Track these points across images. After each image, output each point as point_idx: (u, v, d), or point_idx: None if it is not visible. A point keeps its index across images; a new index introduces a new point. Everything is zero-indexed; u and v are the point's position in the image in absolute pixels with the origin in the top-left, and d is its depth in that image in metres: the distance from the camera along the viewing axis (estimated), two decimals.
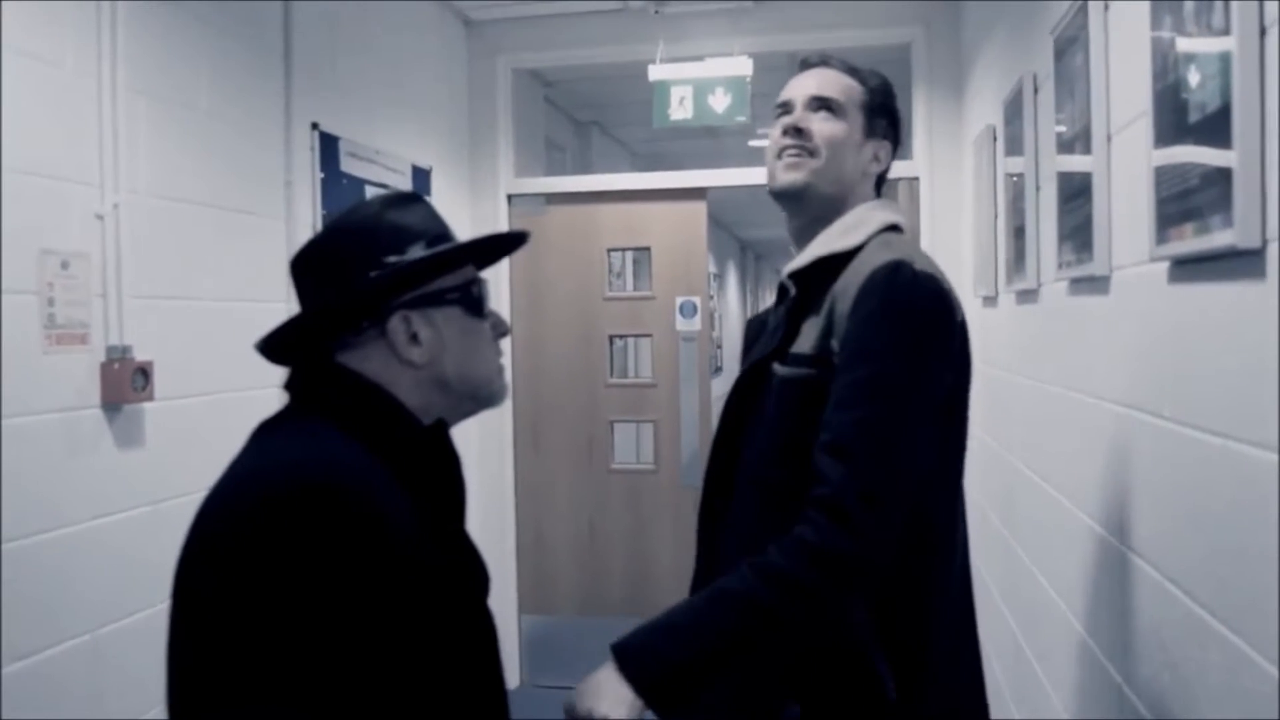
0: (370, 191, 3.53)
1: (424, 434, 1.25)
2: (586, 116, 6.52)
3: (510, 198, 4.59)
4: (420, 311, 1.23)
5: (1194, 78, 1.37)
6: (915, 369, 1.42)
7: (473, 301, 1.28)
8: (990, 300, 3.31)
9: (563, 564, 4.68)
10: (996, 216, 3.18)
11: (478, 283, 1.30)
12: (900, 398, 1.40)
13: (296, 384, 1.26)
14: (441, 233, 1.29)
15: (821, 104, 1.62)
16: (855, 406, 1.39)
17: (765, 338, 1.63)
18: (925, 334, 1.44)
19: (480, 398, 1.29)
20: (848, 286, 1.47)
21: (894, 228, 1.61)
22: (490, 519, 4.59)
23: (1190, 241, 1.38)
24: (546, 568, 4.68)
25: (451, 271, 1.27)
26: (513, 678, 4.61)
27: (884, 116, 1.68)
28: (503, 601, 4.61)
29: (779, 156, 1.63)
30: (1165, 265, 1.53)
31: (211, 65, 2.77)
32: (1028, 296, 2.60)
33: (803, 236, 1.65)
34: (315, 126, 3.24)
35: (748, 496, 1.58)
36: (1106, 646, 1.88)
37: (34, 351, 2.12)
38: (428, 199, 1.32)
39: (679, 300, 4.51)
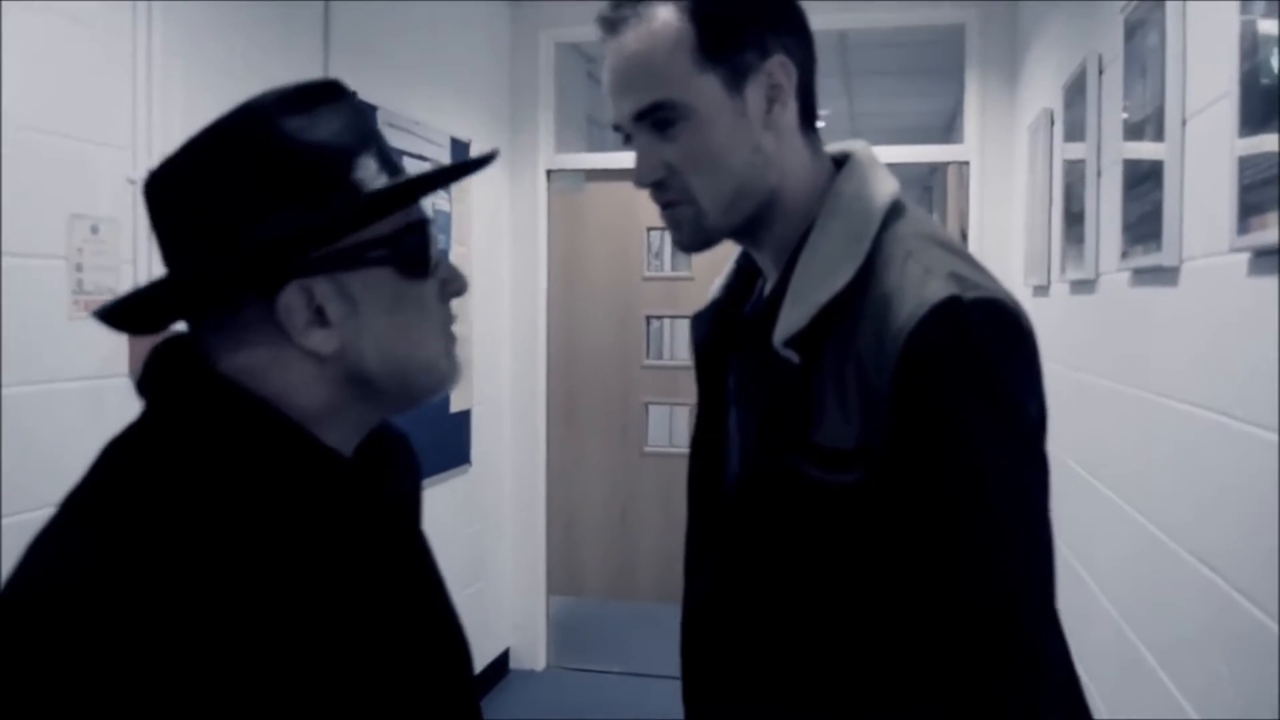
0: (411, 166, 3.47)
1: (339, 468, 0.86)
2: None
3: (550, 173, 4.52)
4: (330, 277, 0.83)
5: None
6: (1019, 465, 0.98)
7: (409, 257, 0.86)
8: (1041, 290, 3.20)
9: (593, 545, 4.62)
10: (1051, 204, 3.07)
11: (417, 227, 0.87)
12: (1013, 524, 0.97)
13: (149, 385, 0.86)
14: (365, 146, 0.86)
15: (649, 117, 1.07)
16: (960, 570, 0.95)
17: (762, 409, 1.08)
18: (1014, 400, 0.98)
19: (416, 390, 0.89)
20: (879, 338, 0.98)
21: (895, 206, 1.08)
22: (521, 498, 4.55)
23: (1274, 231, 1.28)
24: (576, 549, 4.63)
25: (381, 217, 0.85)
26: (539, 659, 4.57)
27: (743, 27, 1.07)
28: (531, 581, 4.57)
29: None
30: (1246, 256, 1.43)
31: (249, 30, 2.71)
32: (1084, 287, 2.50)
33: (765, 254, 1.15)
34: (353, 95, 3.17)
35: (757, 632, 1.08)
36: (1162, 656, 1.79)
37: (60, 318, 2.08)
38: (350, 93, 0.90)
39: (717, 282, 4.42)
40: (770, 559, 1.05)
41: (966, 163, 4.16)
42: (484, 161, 0.93)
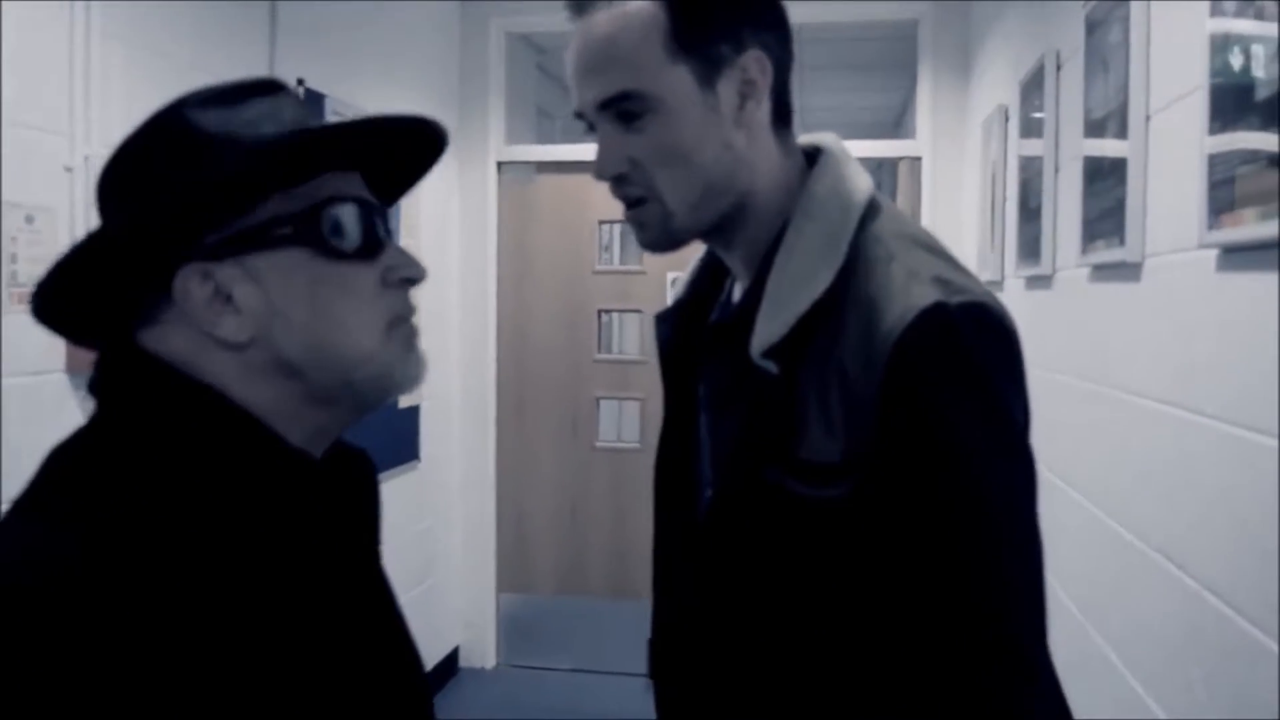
0: None
1: (303, 466, 0.81)
2: None
3: (500, 165, 4.46)
4: (236, 261, 0.78)
5: (1259, 53, 1.26)
6: (1010, 473, 0.95)
7: (323, 235, 0.79)
8: (995, 285, 3.21)
9: (543, 542, 4.57)
10: (1005, 200, 3.08)
11: (338, 204, 0.81)
12: (1006, 533, 0.93)
13: (101, 384, 0.81)
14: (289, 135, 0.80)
15: (615, 107, 1.01)
16: (956, 579, 0.91)
17: (739, 422, 1.02)
18: (1004, 406, 0.94)
19: (360, 385, 0.81)
20: (864, 346, 0.94)
21: (871, 204, 1.04)
22: (471, 494, 4.48)
23: (1251, 228, 1.28)
24: (526, 545, 4.58)
25: (288, 188, 0.79)
26: (488, 657, 4.51)
27: (719, 18, 1.01)
28: (481, 579, 4.51)
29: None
30: (1214, 252, 1.43)
31: (194, 16, 2.62)
32: (1040, 282, 2.51)
33: (735, 255, 1.09)
34: (301, 83, 3.09)
35: (741, 649, 1.03)
36: (1128, 656, 1.79)
37: None
38: (290, 89, 0.85)
39: (671, 275, 4.39)
40: (753, 576, 1.00)
41: (918, 158, 4.17)
42: (396, 123, 0.83)
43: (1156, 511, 1.68)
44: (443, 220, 4.23)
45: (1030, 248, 2.64)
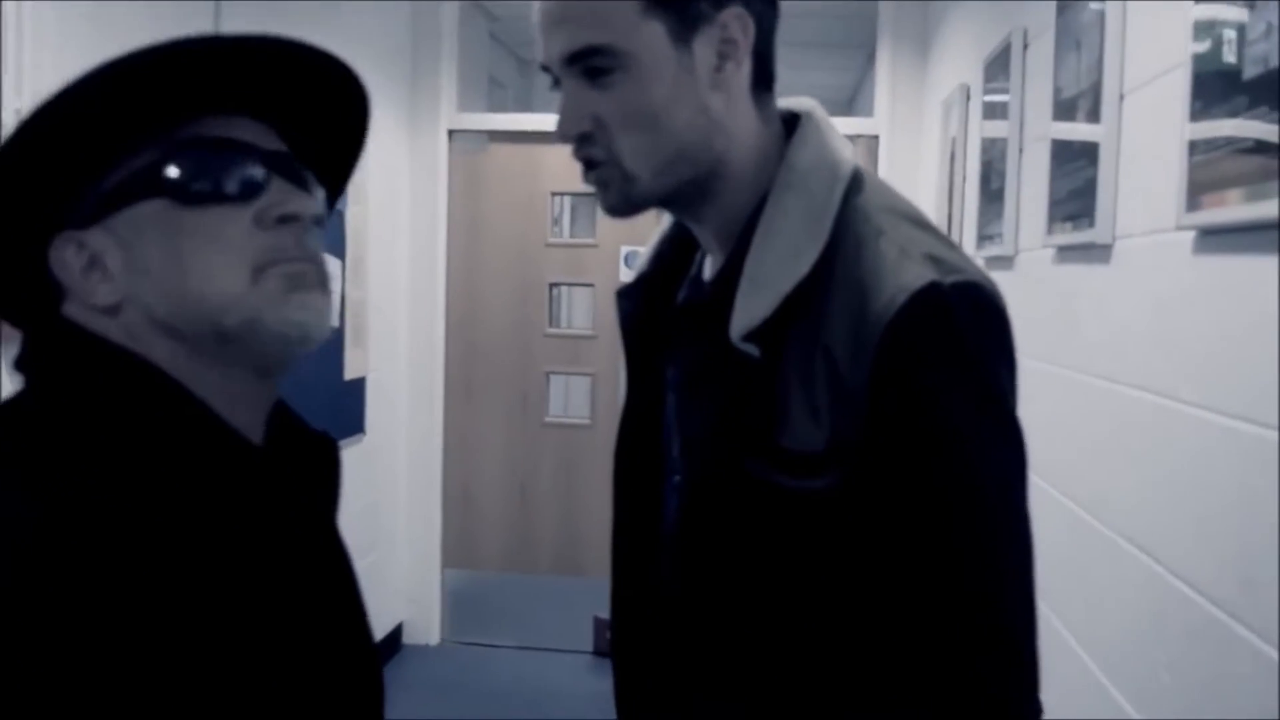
0: None
1: (211, 434, 0.76)
2: (531, 55, 6.25)
3: (451, 133, 4.36)
4: (103, 226, 0.75)
5: (1247, 32, 1.24)
6: (1005, 460, 0.91)
7: (178, 182, 0.74)
8: None
9: (490, 518, 4.51)
10: (964, 180, 3.06)
11: (197, 145, 0.75)
12: (1001, 520, 0.90)
13: (28, 359, 0.79)
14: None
15: (582, 62, 0.93)
16: (952, 568, 0.87)
17: (716, 407, 0.97)
18: (999, 392, 0.91)
19: (233, 334, 0.76)
20: (853, 329, 0.89)
21: (856, 177, 0.98)
22: (417, 468, 4.40)
23: (1235, 209, 1.26)
24: (473, 521, 4.51)
25: (151, 141, 0.74)
26: (433, 633, 4.45)
27: None
28: (426, 554, 4.44)
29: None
30: (1191, 235, 1.41)
31: None
32: (1001, 263, 2.49)
33: (706, 229, 1.03)
34: None
35: (719, 639, 0.98)
36: (1094, 647, 1.78)
37: None
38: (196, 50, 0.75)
39: (624, 250, 4.34)
40: (733, 568, 0.96)
41: (876, 136, 4.16)
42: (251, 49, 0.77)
43: (1123, 496, 1.66)
44: (392, 189, 4.13)
45: (991, 228, 2.62)
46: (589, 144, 0.96)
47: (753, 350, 0.92)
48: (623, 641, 1.16)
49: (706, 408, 0.98)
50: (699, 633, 0.99)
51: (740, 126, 0.98)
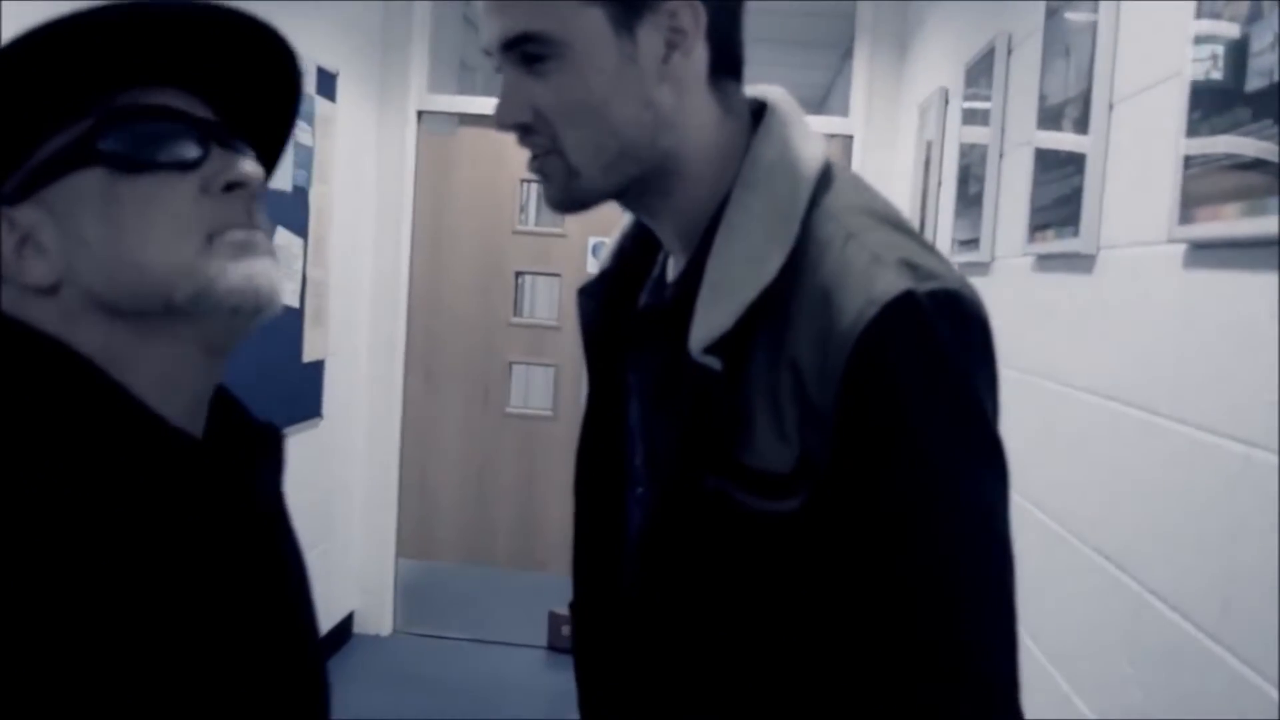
0: None
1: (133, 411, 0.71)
2: None
3: (421, 114, 4.28)
4: (33, 201, 0.71)
5: (1249, 44, 1.21)
6: (986, 482, 0.85)
7: (113, 151, 0.70)
8: None
9: (447, 507, 4.44)
10: (940, 184, 3.04)
11: (130, 113, 0.72)
12: (982, 549, 0.84)
13: None
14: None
15: (518, 49, 0.88)
16: (921, 609, 0.82)
17: (676, 420, 0.90)
18: (979, 409, 0.84)
19: (183, 307, 0.72)
20: (820, 343, 0.83)
21: (825, 173, 0.92)
22: (374, 455, 4.32)
23: (1231, 224, 1.23)
24: (429, 510, 4.44)
25: (72, 113, 0.71)
26: (385, 624, 4.38)
27: None
28: (380, 543, 4.37)
29: None
30: (1182, 248, 1.39)
31: None
32: (977, 269, 2.47)
33: (665, 227, 0.97)
34: None
35: (680, 657, 0.93)
36: (1060, 659, 1.76)
37: None
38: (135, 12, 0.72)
39: (592, 241, 4.29)
40: (696, 587, 0.90)
41: (850, 136, 4.13)
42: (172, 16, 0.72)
43: (1098, 512, 1.64)
44: (358, 168, 4.04)
45: (968, 234, 2.60)
46: (531, 135, 0.90)
47: (714, 363, 0.85)
48: (585, 648, 1.11)
49: (668, 420, 0.93)
50: (661, 644, 0.94)
51: (694, 120, 0.91)
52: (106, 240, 0.70)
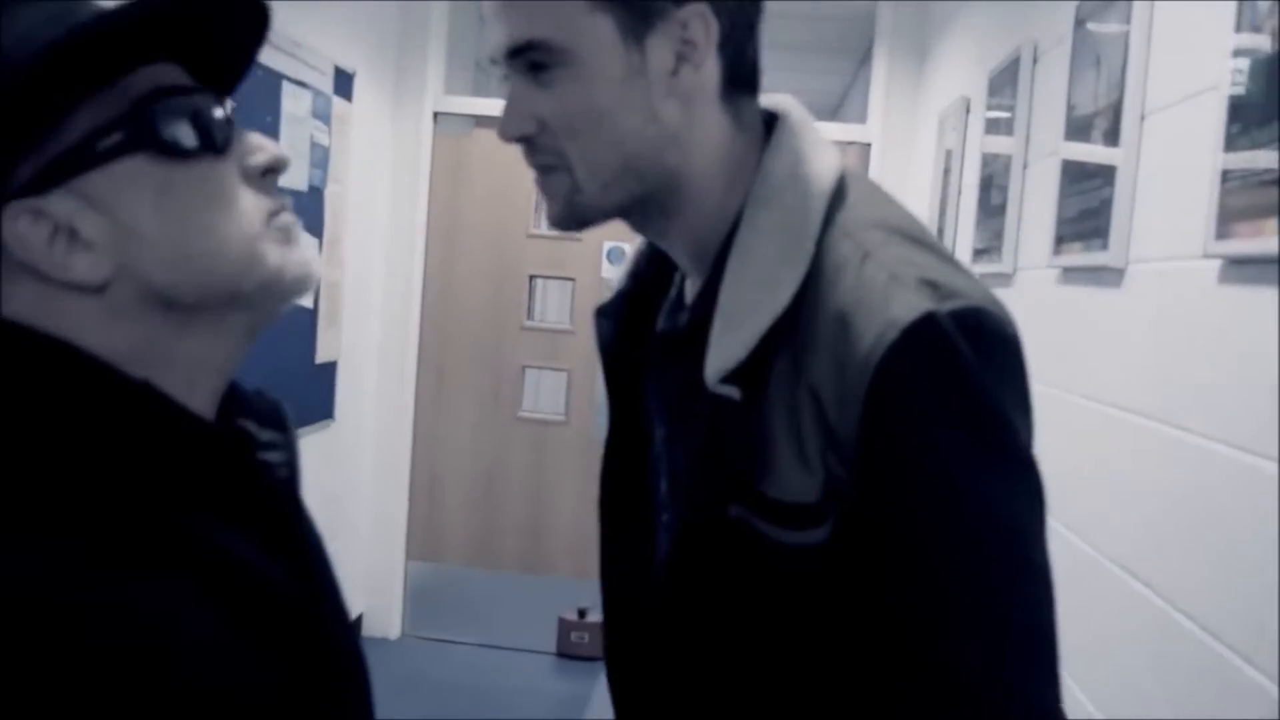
0: (287, 89, 3.18)
1: (194, 427, 0.68)
2: None
3: (436, 116, 4.27)
4: (67, 190, 0.65)
5: None
6: (1018, 510, 0.81)
7: (159, 135, 0.66)
8: None
9: (456, 511, 4.43)
10: (959, 194, 3.02)
11: (167, 94, 0.67)
12: (1018, 583, 0.81)
13: None
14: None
15: (523, 57, 0.85)
16: (960, 645, 0.79)
17: (696, 448, 0.87)
18: (1010, 433, 0.80)
19: (249, 295, 0.70)
20: (839, 369, 0.79)
21: (839, 187, 0.88)
22: (385, 457, 4.30)
23: (1272, 240, 1.21)
24: (439, 513, 4.42)
25: (93, 94, 0.65)
26: (393, 627, 4.36)
27: None
28: (389, 545, 4.35)
29: None
30: (1218, 264, 1.36)
31: None
32: (1000, 280, 2.45)
33: (677, 248, 0.94)
34: None
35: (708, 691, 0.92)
36: (1084, 676, 1.74)
37: None
38: None
39: (607, 245, 4.27)
40: (720, 612, 0.88)
41: (868, 144, 4.11)
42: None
43: (1126, 529, 1.62)
44: (372, 169, 4.03)
45: (990, 245, 2.58)
46: (535, 148, 0.87)
47: (732, 393, 0.82)
48: (618, 668, 1.09)
49: (689, 448, 0.89)
50: (690, 668, 0.91)
51: (703, 137, 0.88)
52: (169, 232, 0.66)
